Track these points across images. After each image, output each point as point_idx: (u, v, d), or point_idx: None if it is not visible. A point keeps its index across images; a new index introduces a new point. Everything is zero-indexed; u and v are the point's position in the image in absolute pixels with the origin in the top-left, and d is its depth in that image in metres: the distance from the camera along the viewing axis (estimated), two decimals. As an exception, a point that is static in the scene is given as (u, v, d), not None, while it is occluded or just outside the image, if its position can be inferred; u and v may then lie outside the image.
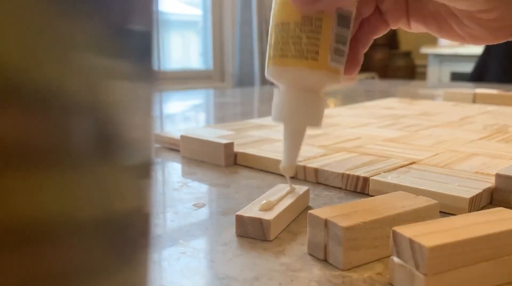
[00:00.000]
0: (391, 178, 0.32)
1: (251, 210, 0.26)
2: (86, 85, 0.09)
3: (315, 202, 0.31)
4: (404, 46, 3.30)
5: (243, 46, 2.55)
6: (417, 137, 0.48)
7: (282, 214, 0.26)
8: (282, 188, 0.29)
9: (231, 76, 2.62)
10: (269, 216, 0.25)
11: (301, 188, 0.30)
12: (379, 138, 0.47)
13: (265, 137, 0.48)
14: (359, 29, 0.29)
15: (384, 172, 0.34)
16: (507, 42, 0.28)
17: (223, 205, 0.30)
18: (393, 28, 0.30)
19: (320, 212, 0.23)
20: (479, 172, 0.34)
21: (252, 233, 0.25)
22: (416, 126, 0.55)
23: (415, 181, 0.31)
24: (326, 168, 0.35)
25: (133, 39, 0.10)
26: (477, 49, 2.27)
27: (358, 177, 0.33)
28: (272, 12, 0.27)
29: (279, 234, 0.26)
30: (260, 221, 0.25)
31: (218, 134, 0.49)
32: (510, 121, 0.58)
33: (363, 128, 0.53)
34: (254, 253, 0.23)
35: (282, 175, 0.38)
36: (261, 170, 0.39)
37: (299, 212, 0.29)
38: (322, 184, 0.35)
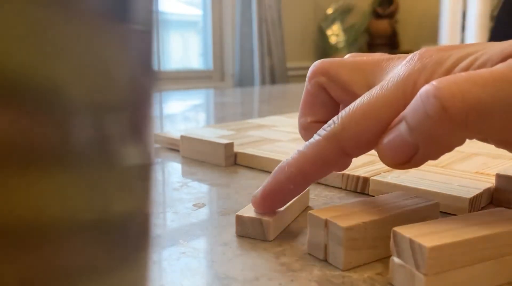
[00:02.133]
0: (391, 178, 0.32)
1: (251, 210, 0.26)
2: (86, 85, 0.09)
3: (315, 202, 0.31)
4: (404, 46, 3.30)
5: (243, 46, 2.55)
6: (417, 137, 0.48)
7: (282, 214, 0.26)
8: (282, 188, 0.29)
9: (231, 76, 2.63)
10: (269, 216, 0.25)
11: (301, 188, 0.30)
12: (379, 138, 0.47)
13: (265, 137, 0.48)
14: None
15: (384, 172, 0.34)
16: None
17: (223, 205, 0.30)
18: None
19: (320, 212, 0.23)
20: (479, 172, 0.34)
21: (252, 233, 0.25)
22: (416, 126, 0.54)
23: (415, 181, 0.31)
24: (326, 168, 0.35)
25: (133, 39, 0.10)
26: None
27: (358, 177, 0.33)
28: None
29: (279, 234, 0.26)
30: (260, 221, 0.25)
31: (218, 134, 0.49)
32: (510, 121, 0.58)
33: (363, 128, 0.53)
34: (254, 253, 0.23)
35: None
36: (261, 170, 0.39)
37: (299, 212, 0.29)
38: (322, 184, 0.35)
